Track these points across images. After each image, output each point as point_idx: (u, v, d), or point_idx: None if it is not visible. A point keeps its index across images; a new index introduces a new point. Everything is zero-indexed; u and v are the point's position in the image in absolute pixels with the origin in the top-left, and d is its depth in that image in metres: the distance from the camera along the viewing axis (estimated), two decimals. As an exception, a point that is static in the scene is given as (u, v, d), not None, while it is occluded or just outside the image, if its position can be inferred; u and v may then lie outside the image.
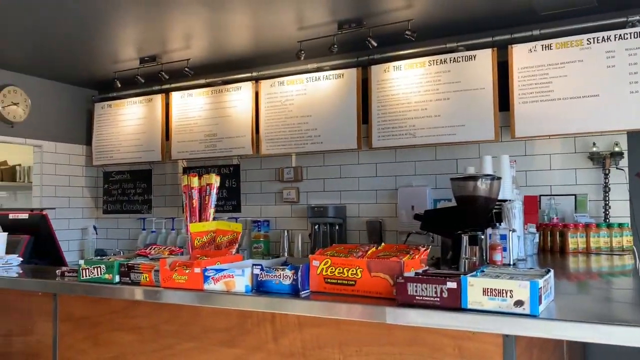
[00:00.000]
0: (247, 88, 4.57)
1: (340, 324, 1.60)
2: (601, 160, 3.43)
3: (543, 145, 3.67)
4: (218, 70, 4.72)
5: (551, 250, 3.05)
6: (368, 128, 4.11)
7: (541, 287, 1.29)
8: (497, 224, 2.31)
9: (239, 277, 1.62)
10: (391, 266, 1.50)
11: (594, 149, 3.46)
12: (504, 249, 2.22)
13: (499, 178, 2.66)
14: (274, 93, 4.45)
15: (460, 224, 2.57)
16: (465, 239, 2.48)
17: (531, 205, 3.28)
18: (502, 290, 1.29)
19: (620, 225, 3.10)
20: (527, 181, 3.69)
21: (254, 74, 4.58)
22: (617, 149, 3.40)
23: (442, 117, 3.82)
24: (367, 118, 4.11)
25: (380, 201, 4.23)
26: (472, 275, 1.37)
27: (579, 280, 2.20)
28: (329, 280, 1.58)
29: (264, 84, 4.50)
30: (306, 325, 1.66)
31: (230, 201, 4.80)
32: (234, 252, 1.87)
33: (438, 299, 1.36)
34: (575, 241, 2.97)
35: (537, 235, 2.95)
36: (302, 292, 1.58)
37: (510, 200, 2.59)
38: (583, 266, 2.51)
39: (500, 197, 2.84)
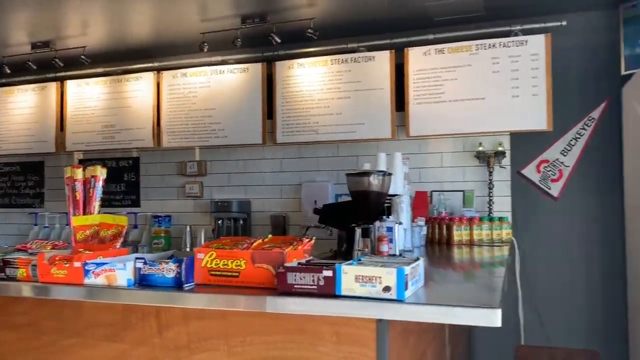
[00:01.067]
0: (148, 78, 4.44)
1: (226, 315, 1.63)
2: (486, 159, 3.69)
3: (435, 144, 3.88)
4: (117, 59, 4.55)
5: (438, 242, 3.25)
6: (273, 123, 4.14)
7: (407, 274, 1.38)
8: (385, 217, 2.42)
9: (120, 270, 1.60)
10: (273, 257, 1.54)
11: (480, 149, 3.71)
12: (391, 241, 2.34)
13: (390, 174, 2.80)
14: (177, 85, 4.36)
15: (355, 217, 2.68)
16: (358, 231, 2.60)
17: (422, 200, 3.47)
18: (373, 277, 1.37)
19: (501, 219, 3.36)
20: (420, 177, 3.89)
21: (156, 64, 4.46)
22: (500, 149, 3.68)
23: (344, 115, 3.93)
24: (272, 113, 4.15)
25: (284, 196, 4.28)
26: (347, 264, 1.44)
27: (456, 268, 2.38)
28: (213, 272, 1.60)
29: (166, 75, 4.40)
30: (192, 318, 1.67)
31: (129, 195, 4.64)
32: (118, 246, 1.82)
33: (315, 287, 1.42)
34: (460, 233, 3.18)
35: (425, 228, 3.12)
36: (186, 285, 1.59)
37: (398, 195, 2.73)
38: (463, 256, 2.71)
39: (392, 192, 3.00)
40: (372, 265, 1.44)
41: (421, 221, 3.17)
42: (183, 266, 1.57)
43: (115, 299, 1.63)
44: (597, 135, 3.58)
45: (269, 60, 4.16)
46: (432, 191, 3.86)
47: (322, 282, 1.41)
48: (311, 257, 1.71)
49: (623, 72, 3.39)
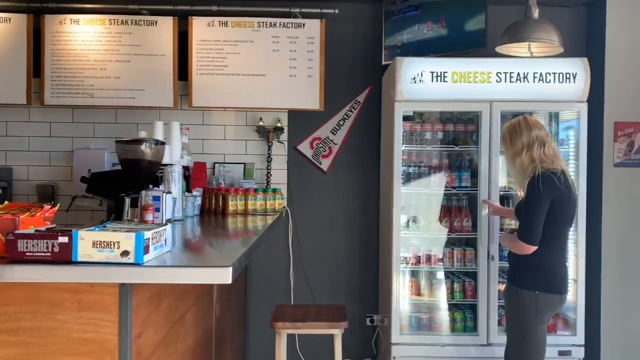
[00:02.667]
0: None
1: (-54, 288, 1.47)
2: (266, 134, 3.88)
3: (219, 116, 3.94)
4: None
5: (215, 212, 3.34)
6: (40, 83, 3.75)
7: (148, 238, 1.41)
8: (151, 187, 2.41)
9: None
10: (4, 224, 1.44)
11: (261, 123, 3.88)
12: (157, 210, 2.34)
13: (163, 143, 2.78)
14: None
15: (126, 187, 2.60)
16: (127, 201, 2.53)
17: (200, 171, 3.50)
18: (111, 242, 1.37)
19: (274, 190, 3.57)
20: (203, 149, 3.92)
21: None
22: (279, 125, 3.89)
23: (123, 80, 3.74)
24: (39, 72, 3.75)
25: (54, 164, 3.93)
26: (86, 230, 1.41)
27: (218, 235, 2.48)
28: None
29: None
30: None
31: None
32: None
33: (49, 254, 1.37)
34: (235, 203, 3.30)
35: (200, 198, 3.17)
36: None
37: (170, 165, 2.73)
38: (231, 225, 2.83)
39: (168, 162, 2.97)
40: (113, 231, 1.43)
41: (197, 191, 3.21)
42: None
43: None
44: (361, 117, 4.01)
45: (35, 12, 3.74)
46: (214, 163, 3.92)
47: (56, 249, 1.37)
48: (54, 225, 1.63)
49: (383, 62, 3.84)
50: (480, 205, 3.30)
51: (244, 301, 3.84)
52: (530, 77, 3.28)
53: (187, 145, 3.48)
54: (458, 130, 3.51)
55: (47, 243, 1.36)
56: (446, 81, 3.28)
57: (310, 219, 4.00)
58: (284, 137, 3.95)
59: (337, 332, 2.59)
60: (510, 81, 3.28)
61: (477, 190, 3.36)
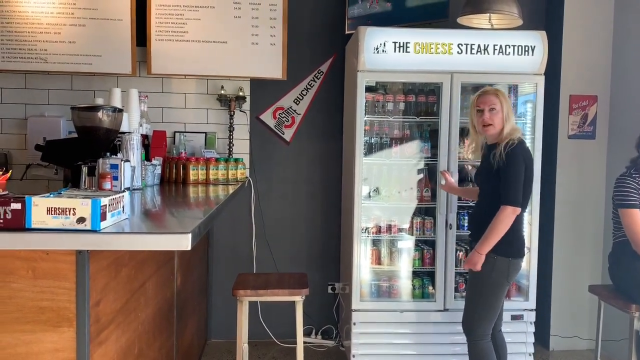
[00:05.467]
0: None
1: None
2: (228, 103, 3.82)
3: (179, 84, 3.86)
4: None
5: (175, 181, 3.30)
6: (-11, 46, 3.58)
7: (105, 205, 1.39)
8: (109, 154, 2.36)
9: None
10: (-48, 190, 1.39)
11: (222, 92, 3.82)
12: (115, 178, 2.30)
13: (121, 110, 2.71)
14: None
15: (83, 155, 2.54)
16: (84, 169, 2.47)
17: (160, 139, 3.44)
18: (66, 209, 1.34)
19: (236, 160, 3.55)
20: (163, 117, 3.84)
21: None
22: (241, 94, 3.84)
23: (78, 45, 3.61)
24: (-12, 35, 3.58)
25: (6, 131, 3.79)
26: (40, 197, 1.38)
27: (178, 204, 2.46)
28: None
29: None
30: None
31: None
32: None
33: (1, 221, 1.33)
34: (196, 173, 3.27)
35: (159, 167, 3.13)
36: None
37: (128, 133, 2.67)
38: (192, 194, 2.81)
39: (127, 130, 2.91)
40: (68, 198, 1.40)
41: (157, 160, 3.16)
42: None
43: None
44: (324, 86, 3.99)
45: (-17, -30, 3.55)
46: (174, 132, 3.86)
47: (9, 216, 1.33)
48: (7, 193, 1.58)
49: (346, 32, 3.81)
50: (439, 176, 3.36)
51: (206, 270, 3.84)
52: (490, 49, 3.33)
53: (146, 113, 3.42)
54: (420, 102, 3.54)
55: (-2, 210, 1.32)
56: (409, 52, 3.29)
57: (273, 188, 4.00)
58: (246, 106, 3.91)
59: (299, 299, 2.63)
60: (471, 53, 3.32)
61: (436, 160, 3.42)
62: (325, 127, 4.01)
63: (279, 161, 4.00)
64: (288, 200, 4.02)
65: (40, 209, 1.33)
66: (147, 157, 3.15)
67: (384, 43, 3.27)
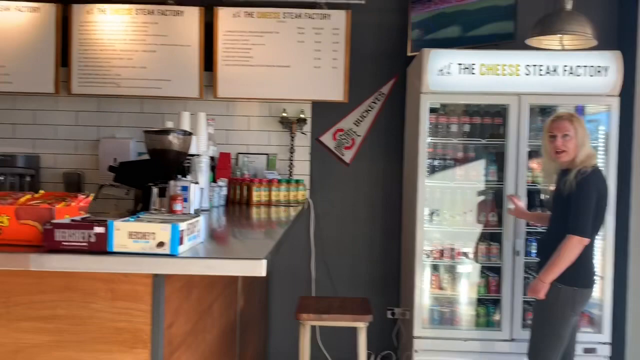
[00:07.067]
0: None
1: (-15, 276, 1.50)
2: (289, 125, 3.87)
3: (243, 107, 3.95)
4: None
5: (239, 202, 3.35)
6: (68, 72, 3.79)
7: (183, 230, 1.42)
8: (180, 177, 2.42)
9: None
10: (41, 213, 1.46)
11: (284, 114, 3.88)
12: (185, 200, 2.35)
13: (191, 133, 2.79)
14: (-54, 17, 3.72)
15: (153, 176, 2.62)
16: (154, 191, 2.55)
17: (225, 161, 3.52)
18: (146, 233, 1.38)
19: (297, 181, 3.58)
20: (227, 139, 3.92)
21: None
22: (302, 116, 3.88)
23: (148, 70, 3.76)
24: (67, 61, 3.79)
25: (80, 152, 3.98)
26: (121, 221, 1.43)
27: (245, 226, 2.49)
28: (-31, 229, 1.45)
29: None
30: (-57, 281, 1.50)
31: None
32: None
33: (86, 244, 1.38)
34: (259, 194, 3.32)
35: (226, 188, 3.19)
36: None
37: (197, 155, 2.74)
38: (256, 215, 2.84)
39: (194, 152, 2.99)
40: (148, 222, 1.44)
41: (223, 182, 3.23)
42: None
43: None
44: (386, 108, 3.97)
45: (64, 2, 3.77)
46: (237, 153, 3.93)
47: (93, 239, 1.38)
48: (88, 215, 1.64)
49: (409, 53, 3.80)
50: (506, 200, 3.26)
51: (265, 292, 3.86)
52: (560, 70, 3.22)
53: (213, 135, 3.50)
54: (485, 123, 3.46)
55: (83, 233, 1.37)
56: (474, 73, 3.23)
57: (332, 210, 3.99)
58: (307, 128, 3.94)
59: (362, 325, 2.59)
60: (540, 74, 3.23)
61: (503, 184, 3.32)
62: (385, 149, 3.98)
63: (339, 182, 3.99)
64: (347, 222, 4.00)
65: (122, 233, 1.37)
66: (213, 179, 3.22)
67: (449, 65, 3.23)
